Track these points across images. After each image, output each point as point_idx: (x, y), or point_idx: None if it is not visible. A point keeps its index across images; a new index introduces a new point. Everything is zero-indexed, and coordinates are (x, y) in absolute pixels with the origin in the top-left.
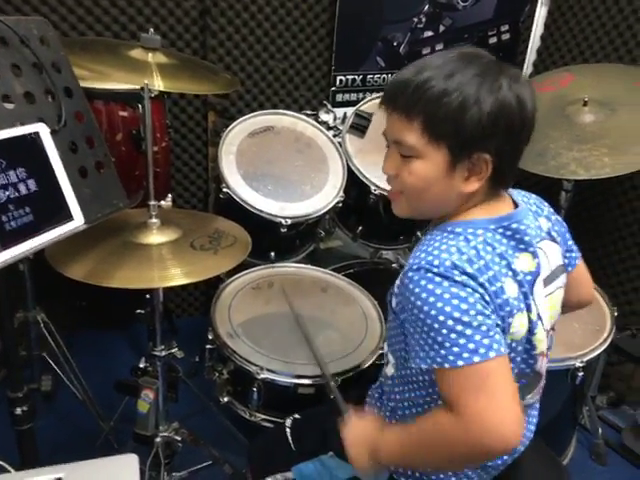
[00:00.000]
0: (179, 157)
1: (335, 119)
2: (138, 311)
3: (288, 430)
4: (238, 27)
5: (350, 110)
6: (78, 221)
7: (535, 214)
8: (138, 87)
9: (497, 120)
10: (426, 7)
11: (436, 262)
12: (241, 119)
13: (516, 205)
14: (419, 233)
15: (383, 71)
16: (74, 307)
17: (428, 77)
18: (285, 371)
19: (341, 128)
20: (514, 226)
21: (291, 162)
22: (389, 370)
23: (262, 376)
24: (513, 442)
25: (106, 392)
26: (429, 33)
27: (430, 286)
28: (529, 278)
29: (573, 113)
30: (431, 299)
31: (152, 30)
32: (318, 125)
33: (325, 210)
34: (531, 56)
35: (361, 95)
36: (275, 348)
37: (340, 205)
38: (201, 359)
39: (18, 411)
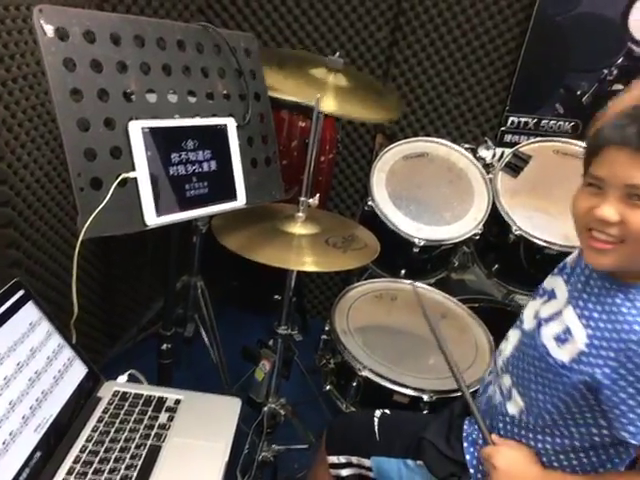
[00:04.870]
0: (343, 171)
1: (494, 156)
2: (276, 297)
3: (376, 420)
4: (421, 60)
5: None
6: (241, 202)
7: None
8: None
9: None
10: (620, 60)
11: None
12: (399, 142)
13: None
14: None
15: (560, 118)
16: (228, 284)
17: None
18: (386, 375)
19: (497, 166)
20: None
21: (438, 189)
22: (511, 409)
23: (363, 374)
24: None
25: (235, 362)
26: (619, 86)
27: None
28: None
29: None
30: None
31: (338, 54)
32: (473, 159)
33: (460, 239)
34: None
35: (532, 138)
36: (383, 353)
37: (477, 238)
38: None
39: (164, 347)
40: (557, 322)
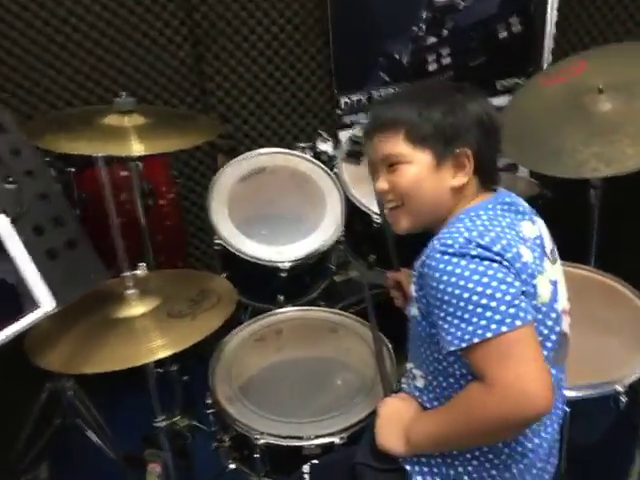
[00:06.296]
0: (195, 203)
1: (335, 147)
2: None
3: (307, 477)
4: (234, 67)
5: None
6: (47, 306)
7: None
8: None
9: (472, 123)
10: (424, 14)
11: (449, 242)
12: (229, 164)
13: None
14: None
15: (388, 85)
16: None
17: (402, 101)
18: (287, 433)
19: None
20: (507, 200)
21: (286, 202)
22: (419, 383)
23: (262, 442)
24: (545, 406)
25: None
26: (432, 40)
27: (449, 267)
28: (538, 242)
29: (588, 103)
30: (452, 279)
31: (125, 94)
32: (312, 159)
33: (325, 247)
34: (549, 44)
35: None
36: (279, 408)
37: (342, 239)
38: None
39: None
40: None
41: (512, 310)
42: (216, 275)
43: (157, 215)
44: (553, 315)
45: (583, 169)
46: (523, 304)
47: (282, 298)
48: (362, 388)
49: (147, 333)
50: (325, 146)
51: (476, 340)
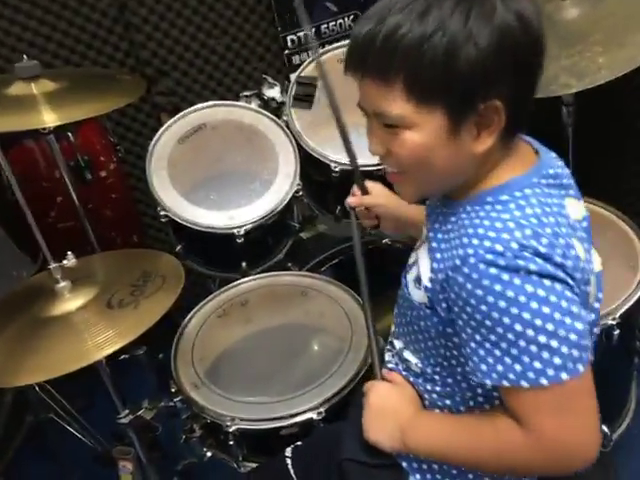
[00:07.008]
0: (145, 170)
1: (284, 91)
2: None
3: (289, 461)
4: (162, 14)
5: None
6: None
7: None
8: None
9: (501, 53)
10: None
11: (499, 248)
12: (166, 125)
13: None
14: None
15: (337, 16)
16: None
17: (396, 23)
18: (260, 415)
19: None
20: (551, 171)
21: (234, 160)
22: (414, 368)
23: (234, 427)
24: (594, 456)
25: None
26: None
27: (497, 287)
28: (585, 225)
29: (552, 12)
30: (501, 303)
31: (25, 57)
32: (257, 108)
33: (282, 206)
34: None
35: (321, 49)
36: (249, 388)
37: (299, 194)
38: None
39: None
40: (415, 264)
41: (576, 352)
42: (160, 252)
43: (100, 189)
44: (593, 316)
45: (553, 86)
46: (587, 341)
47: (245, 265)
48: (339, 354)
49: (87, 329)
50: (272, 91)
51: (525, 384)
